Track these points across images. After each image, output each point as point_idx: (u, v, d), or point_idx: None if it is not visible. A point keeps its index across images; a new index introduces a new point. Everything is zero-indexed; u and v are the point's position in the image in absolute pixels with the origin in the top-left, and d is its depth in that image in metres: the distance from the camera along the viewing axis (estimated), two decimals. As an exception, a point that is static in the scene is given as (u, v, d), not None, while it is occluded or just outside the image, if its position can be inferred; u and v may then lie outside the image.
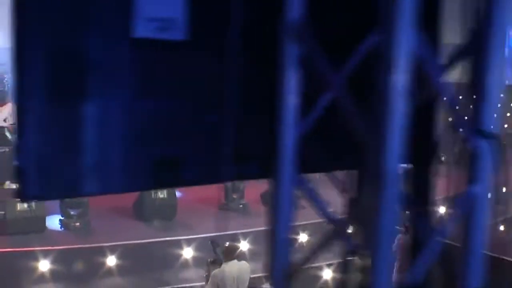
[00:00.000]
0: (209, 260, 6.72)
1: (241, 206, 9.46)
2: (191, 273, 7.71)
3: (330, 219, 2.34)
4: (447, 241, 2.32)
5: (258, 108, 2.08)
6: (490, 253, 7.01)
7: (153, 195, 8.47)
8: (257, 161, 2.18)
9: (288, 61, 1.95)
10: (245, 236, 8.32)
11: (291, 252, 2.31)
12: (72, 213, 8.32)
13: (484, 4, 2.00)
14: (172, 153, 1.97)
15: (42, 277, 7.39)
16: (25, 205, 7.88)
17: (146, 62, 1.78)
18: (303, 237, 8.65)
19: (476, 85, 2.04)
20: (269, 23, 1.94)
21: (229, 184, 9.46)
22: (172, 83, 1.86)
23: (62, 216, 8.41)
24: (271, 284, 2.28)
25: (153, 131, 1.89)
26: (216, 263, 6.55)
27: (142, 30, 1.55)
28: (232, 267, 6.49)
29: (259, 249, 8.31)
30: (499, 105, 2.12)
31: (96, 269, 7.48)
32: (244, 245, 8.23)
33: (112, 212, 8.85)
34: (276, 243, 2.24)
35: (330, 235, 2.37)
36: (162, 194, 8.64)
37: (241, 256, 7.00)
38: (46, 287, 7.26)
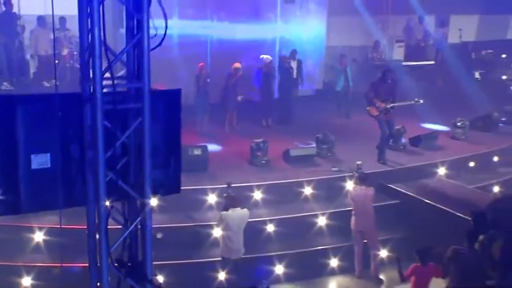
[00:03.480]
0: (224, 194, 9.20)
1: (263, 162, 11.60)
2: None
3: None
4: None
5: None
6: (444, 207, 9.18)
7: (189, 151, 10.81)
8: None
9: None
10: (259, 187, 10.51)
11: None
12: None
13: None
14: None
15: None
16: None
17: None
18: (307, 190, 10.75)
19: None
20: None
21: (253, 144, 11.65)
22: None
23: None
24: None
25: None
26: (229, 197, 8.90)
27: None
28: (236, 213, 8.81)
29: (269, 197, 10.52)
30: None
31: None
32: (257, 195, 10.44)
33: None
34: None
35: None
36: (197, 151, 11.00)
37: (244, 204, 9.27)
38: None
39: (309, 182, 10.79)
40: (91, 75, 3.63)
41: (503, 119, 15.10)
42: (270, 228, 9.95)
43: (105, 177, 3.84)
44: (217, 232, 9.27)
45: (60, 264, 6.57)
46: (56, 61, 14.52)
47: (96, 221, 3.87)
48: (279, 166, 11.66)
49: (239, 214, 8.82)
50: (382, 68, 14.73)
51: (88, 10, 3.56)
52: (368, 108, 11.91)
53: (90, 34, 3.56)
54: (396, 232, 10.28)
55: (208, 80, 13.62)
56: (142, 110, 3.90)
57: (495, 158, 12.94)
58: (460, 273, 6.99)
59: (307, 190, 10.72)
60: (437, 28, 20.38)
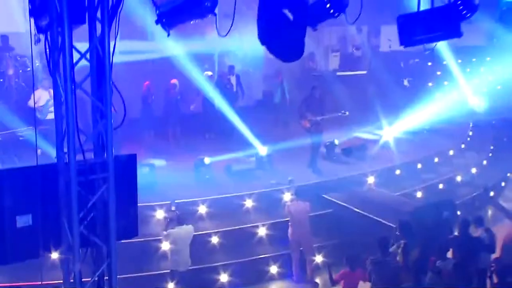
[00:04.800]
0: (169, 213, 10.05)
1: (207, 177, 12.41)
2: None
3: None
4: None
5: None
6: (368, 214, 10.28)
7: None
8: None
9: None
10: (203, 202, 11.30)
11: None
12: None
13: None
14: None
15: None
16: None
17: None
18: (248, 203, 11.62)
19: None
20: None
21: (197, 159, 12.43)
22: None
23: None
24: None
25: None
26: (174, 216, 9.68)
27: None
28: (182, 230, 9.58)
29: (213, 211, 11.32)
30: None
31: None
32: (202, 209, 11.23)
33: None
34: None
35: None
36: (145, 169, 11.66)
37: (190, 219, 10.06)
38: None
39: (250, 195, 11.67)
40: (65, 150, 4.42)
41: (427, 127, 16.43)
42: (215, 240, 10.77)
43: (78, 231, 4.56)
44: (165, 246, 10.00)
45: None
46: (1, 80, 14.77)
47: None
48: (222, 181, 12.48)
49: (184, 230, 9.60)
50: (318, 78, 15.85)
51: (62, 99, 4.31)
52: (301, 121, 12.93)
53: (65, 120, 4.33)
54: (330, 239, 11.29)
55: (153, 97, 14.28)
56: (108, 178, 4.68)
57: (419, 166, 14.19)
58: (380, 280, 8.01)
59: (248, 203, 11.60)
60: (370, 38, 21.55)
